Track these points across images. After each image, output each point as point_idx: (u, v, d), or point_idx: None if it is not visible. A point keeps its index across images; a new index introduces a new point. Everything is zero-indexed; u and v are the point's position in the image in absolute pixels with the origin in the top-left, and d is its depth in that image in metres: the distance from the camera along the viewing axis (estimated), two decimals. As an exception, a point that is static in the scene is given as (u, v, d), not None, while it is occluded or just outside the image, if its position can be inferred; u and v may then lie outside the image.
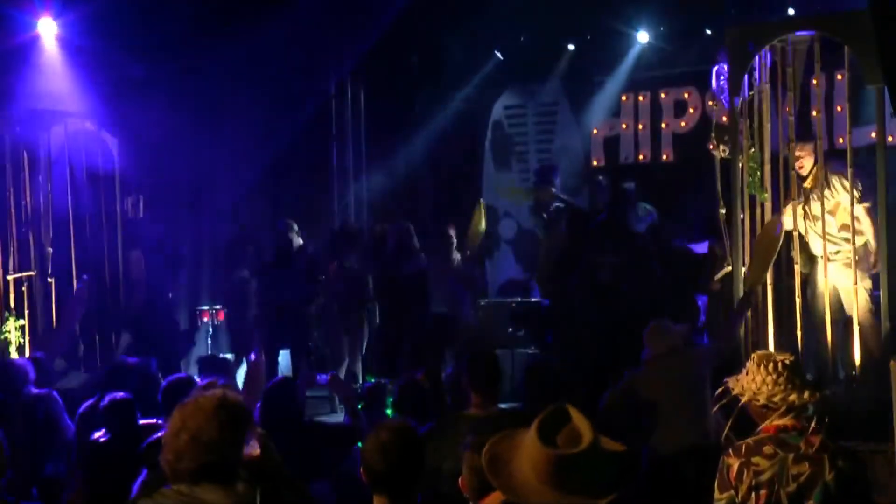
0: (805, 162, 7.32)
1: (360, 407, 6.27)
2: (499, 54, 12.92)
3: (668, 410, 6.03)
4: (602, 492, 2.68)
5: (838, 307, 7.39)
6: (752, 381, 3.52)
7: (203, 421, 3.04)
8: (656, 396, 6.09)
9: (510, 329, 10.55)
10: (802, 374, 3.55)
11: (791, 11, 10.02)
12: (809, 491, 3.35)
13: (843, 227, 7.27)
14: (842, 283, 7.32)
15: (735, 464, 3.45)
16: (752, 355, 3.66)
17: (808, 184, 7.35)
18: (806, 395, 3.46)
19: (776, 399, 3.46)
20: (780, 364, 3.51)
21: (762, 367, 3.52)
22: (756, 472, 3.40)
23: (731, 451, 3.51)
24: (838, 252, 7.34)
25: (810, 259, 7.52)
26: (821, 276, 7.37)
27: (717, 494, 3.48)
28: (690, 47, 11.75)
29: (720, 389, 3.69)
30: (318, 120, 12.77)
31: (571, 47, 12.45)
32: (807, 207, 7.35)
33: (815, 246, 7.41)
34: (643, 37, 12.04)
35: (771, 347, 6.99)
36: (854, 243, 7.16)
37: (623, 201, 10.27)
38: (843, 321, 7.39)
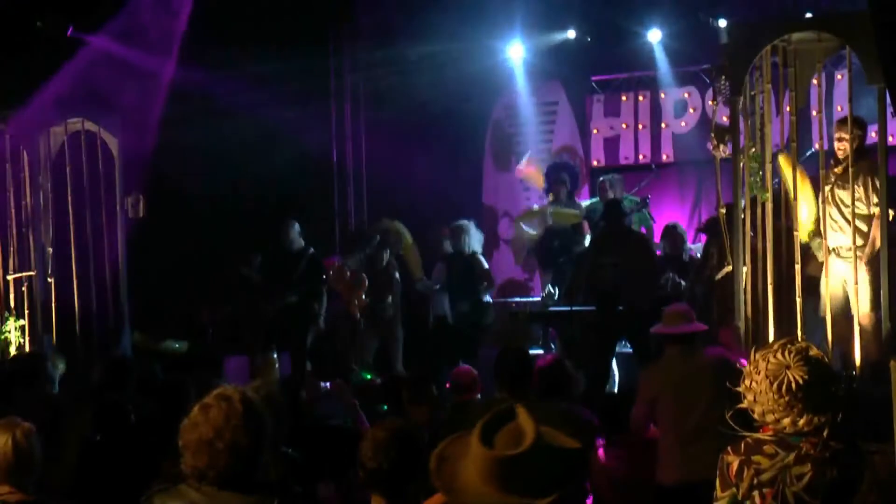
0: (846, 145, 7.20)
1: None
2: (500, 53, 12.91)
3: (680, 417, 5.65)
4: (544, 491, 2.62)
5: (845, 304, 7.34)
6: (759, 392, 3.34)
7: (237, 429, 3.03)
8: (668, 397, 5.73)
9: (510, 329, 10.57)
10: (818, 393, 3.28)
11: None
12: (814, 491, 3.31)
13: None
14: (852, 279, 7.26)
15: (735, 462, 3.39)
16: (769, 362, 3.33)
17: (839, 170, 7.29)
18: (802, 422, 3.30)
19: (775, 417, 3.35)
20: (793, 384, 3.28)
21: (775, 384, 3.30)
22: (757, 471, 3.34)
23: (730, 448, 3.44)
24: (851, 248, 7.25)
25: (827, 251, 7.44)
26: (832, 270, 7.30)
27: (718, 493, 3.41)
28: (691, 47, 11.76)
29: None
30: (318, 120, 12.77)
31: (572, 34, 12.42)
32: (834, 192, 7.25)
33: (832, 237, 7.36)
34: (655, 35, 12.01)
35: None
36: (854, 241, 7.13)
37: (620, 201, 10.26)
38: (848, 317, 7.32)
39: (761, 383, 3.32)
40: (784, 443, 3.36)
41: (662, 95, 12.38)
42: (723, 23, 11.09)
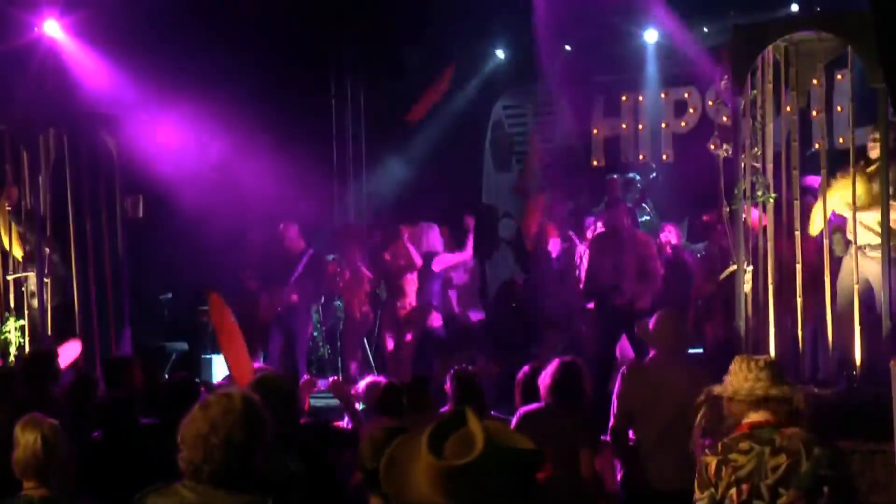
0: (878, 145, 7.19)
1: (360, 408, 6.26)
2: (499, 54, 12.92)
3: (661, 429, 5.54)
4: (499, 500, 2.48)
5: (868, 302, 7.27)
6: (736, 380, 3.62)
7: (233, 425, 3.04)
8: (652, 405, 5.63)
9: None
10: (780, 371, 3.65)
11: (795, 7, 10.01)
12: (788, 481, 3.41)
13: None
14: (876, 279, 7.20)
15: (713, 462, 3.51)
16: (734, 359, 3.77)
17: (871, 169, 7.25)
18: (786, 389, 3.57)
19: (758, 393, 3.55)
20: (760, 362, 3.64)
21: (743, 366, 3.64)
22: (735, 468, 3.46)
23: (706, 450, 3.59)
24: (878, 246, 7.14)
25: (846, 244, 7.35)
26: (849, 270, 7.26)
27: (697, 494, 3.54)
28: (690, 47, 11.77)
29: (701, 397, 3.73)
30: (319, 120, 12.77)
31: (567, 47, 12.45)
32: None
33: (857, 235, 7.30)
34: (651, 36, 12.04)
35: (771, 347, 6.99)
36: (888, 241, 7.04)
37: (620, 202, 10.25)
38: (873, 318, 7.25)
39: (732, 371, 3.69)
40: (758, 438, 3.50)
41: (662, 95, 12.38)
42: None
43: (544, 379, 5.64)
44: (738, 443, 3.51)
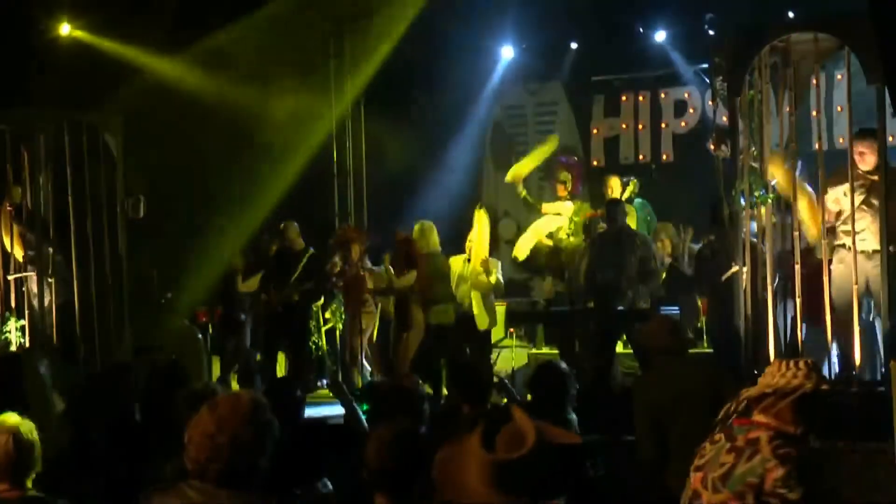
0: (868, 158, 7.15)
1: (363, 408, 6.27)
2: (501, 53, 12.93)
3: (678, 433, 5.33)
4: (549, 492, 2.60)
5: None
6: (772, 377, 3.57)
7: (240, 424, 3.06)
8: (670, 411, 5.46)
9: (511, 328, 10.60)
10: (813, 372, 3.55)
11: (791, 15, 10.03)
12: (726, 480, 3.47)
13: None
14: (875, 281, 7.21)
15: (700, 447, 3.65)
16: (772, 362, 3.72)
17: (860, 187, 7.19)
18: (809, 384, 3.49)
19: (789, 384, 3.51)
20: (801, 362, 3.59)
21: (773, 368, 3.59)
22: (701, 455, 3.59)
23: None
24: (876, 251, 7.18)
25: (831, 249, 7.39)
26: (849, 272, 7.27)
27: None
28: (690, 47, 11.79)
29: (733, 404, 3.69)
30: (318, 120, 12.77)
31: (574, 45, 12.47)
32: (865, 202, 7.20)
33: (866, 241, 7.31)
34: (660, 36, 12.06)
35: (771, 347, 7.00)
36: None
37: (620, 200, 10.25)
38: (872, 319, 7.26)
39: (768, 371, 3.61)
40: (730, 434, 3.56)
41: (662, 95, 12.40)
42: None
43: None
44: (716, 434, 3.61)
